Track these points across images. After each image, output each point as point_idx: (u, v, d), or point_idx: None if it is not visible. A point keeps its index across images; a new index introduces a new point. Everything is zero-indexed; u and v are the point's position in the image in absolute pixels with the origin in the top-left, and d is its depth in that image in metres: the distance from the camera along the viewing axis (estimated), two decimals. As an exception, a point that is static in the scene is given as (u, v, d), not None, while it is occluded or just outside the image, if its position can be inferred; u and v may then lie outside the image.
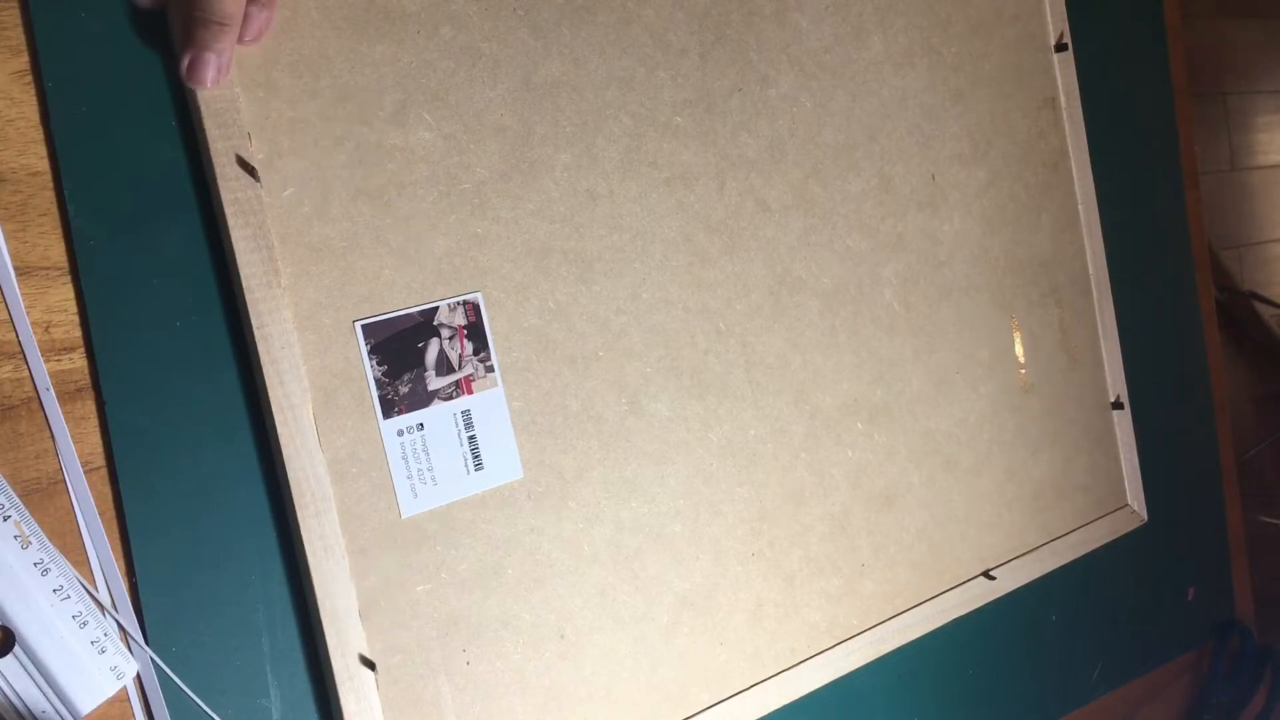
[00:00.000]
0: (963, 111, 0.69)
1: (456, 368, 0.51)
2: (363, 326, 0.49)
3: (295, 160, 0.47)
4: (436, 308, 0.51)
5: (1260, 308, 1.91)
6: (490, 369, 0.52)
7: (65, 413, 0.44)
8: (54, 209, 0.45)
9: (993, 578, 0.70)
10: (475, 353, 0.52)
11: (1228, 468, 0.91)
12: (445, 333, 0.51)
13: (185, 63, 0.44)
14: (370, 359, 0.49)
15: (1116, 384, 0.78)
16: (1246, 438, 1.84)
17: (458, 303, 0.51)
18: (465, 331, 0.51)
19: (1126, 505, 0.79)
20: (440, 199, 0.51)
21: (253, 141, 0.46)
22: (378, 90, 0.49)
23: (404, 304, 0.50)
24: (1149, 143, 0.86)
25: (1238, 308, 1.90)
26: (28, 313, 0.44)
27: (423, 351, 0.50)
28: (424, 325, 0.50)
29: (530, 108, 0.53)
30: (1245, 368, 1.88)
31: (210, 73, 0.44)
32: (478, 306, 0.52)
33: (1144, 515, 0.80)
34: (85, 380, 0.45)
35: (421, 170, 0.50)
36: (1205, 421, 0.89)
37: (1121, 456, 0.79)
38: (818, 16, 0.63)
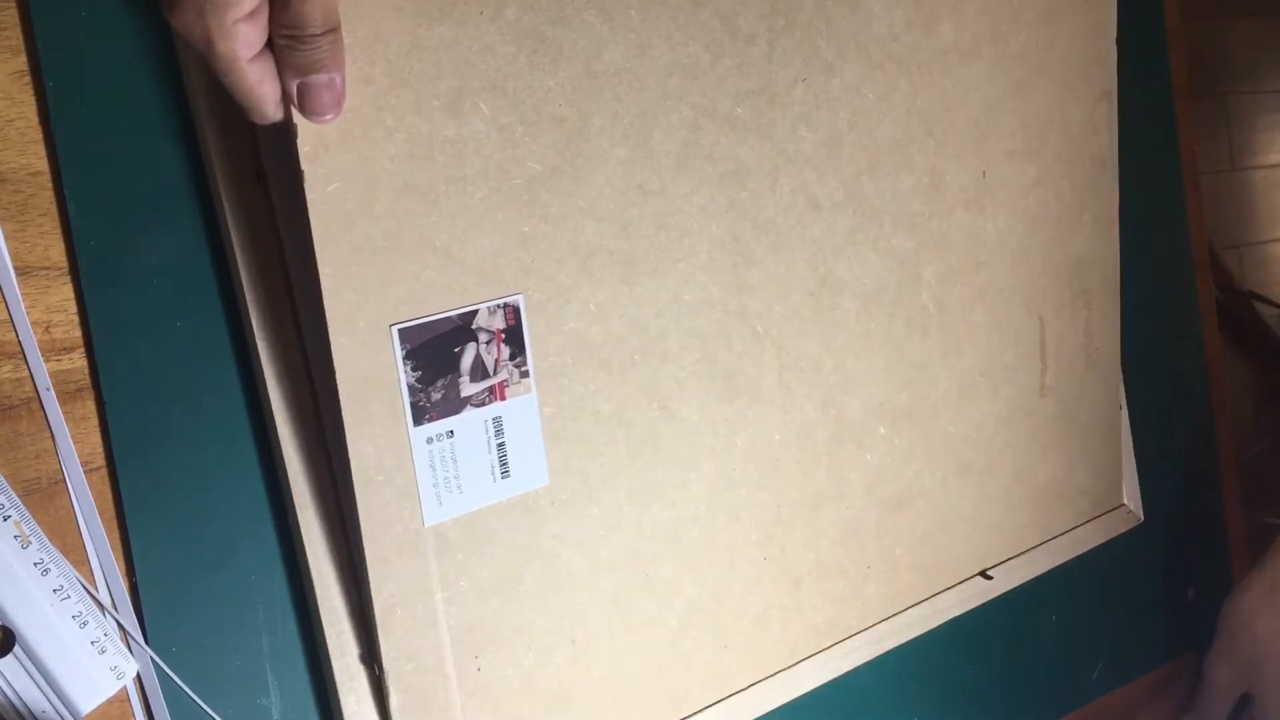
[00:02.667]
0: (1021, 105, 0.66)
1: (491, 373, 0.48)
2: (399, 331, 0.45)
3: (342, 153, 0.42)
4: (476, 311, 0.47)
5: (1260, 308, 1.92)
6: (525, 374, 0.49)
7: (65, 413, 0.44)
8: (54, 209, 0.44)
9: (989, 578, 0.71)
10: (511, 358, 0.48)
11: (1228, 467, 0.91)
12: (483, 337, 0.47)
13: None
14: (405, 364, 0.45)
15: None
16: (1246, 438, 1.87)
17: (498, 305, 0.47)
18: (503, 336, 0.48)
19: (1123, 505, 0.79)
20: (490, 195, 0.46)
21: (299, 132, 0.41)
22: (434, 77, 0.44)
23: (443, 306, 0.46)
24: (1149, 143, 0.84)
25: (1238, 308, 1.91)
26: (28, 313, 0.43)
27: (459, 356, 0.47)
28: (462, 329, 0.47)
29: (590, 97, 0.48)
30: (1245, 368, 1.90)
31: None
32: (518, 309, 0.48)
33: (1140, 515, 0.80)
34: (85, 380, 0.45)
35: (473, 164, 0.46)
36: (1205, 421, 0.89)
37: (1119, 456, 0.79)
38: (891, 0, 0.58)
